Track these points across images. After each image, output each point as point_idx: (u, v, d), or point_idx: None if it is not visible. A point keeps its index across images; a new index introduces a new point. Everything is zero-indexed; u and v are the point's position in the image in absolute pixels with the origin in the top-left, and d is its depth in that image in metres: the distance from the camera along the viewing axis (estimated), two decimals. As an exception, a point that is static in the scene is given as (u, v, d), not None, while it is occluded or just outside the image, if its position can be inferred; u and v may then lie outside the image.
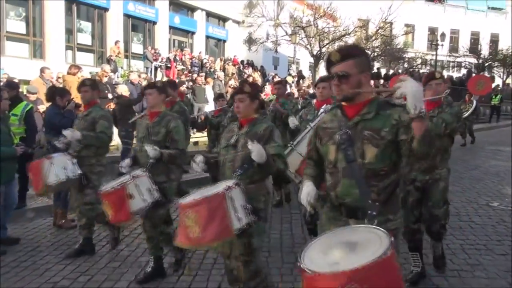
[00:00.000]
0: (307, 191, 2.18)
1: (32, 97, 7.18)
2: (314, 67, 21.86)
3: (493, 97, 18.87)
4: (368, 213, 1.94)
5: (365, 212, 1.96)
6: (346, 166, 2.04)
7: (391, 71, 22.61)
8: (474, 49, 28.94)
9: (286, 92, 6.97)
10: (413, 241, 3.55)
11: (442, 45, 25.58)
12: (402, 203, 3.63)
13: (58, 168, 3.88)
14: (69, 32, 15.79)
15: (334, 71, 2.03)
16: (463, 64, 29.21)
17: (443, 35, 26.04)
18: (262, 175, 2.81)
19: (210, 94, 12.65)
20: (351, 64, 2.00)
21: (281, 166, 2.81)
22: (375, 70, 23.40)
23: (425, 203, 3.49)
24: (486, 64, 27.39)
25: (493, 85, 23.32)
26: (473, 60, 28.14)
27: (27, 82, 10.12)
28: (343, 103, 2.13)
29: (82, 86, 4.31)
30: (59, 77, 10.03)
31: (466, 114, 10.80)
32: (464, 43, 30.99)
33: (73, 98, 5.95)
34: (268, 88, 13.02)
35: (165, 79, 14.83)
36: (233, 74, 17.91)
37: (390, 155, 2.01)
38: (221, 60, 19.99)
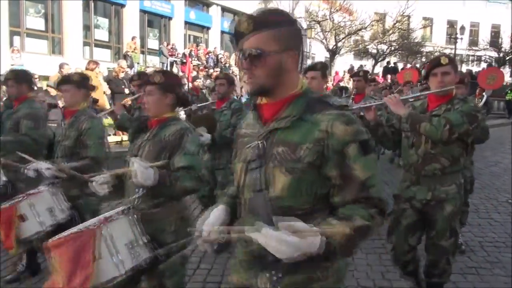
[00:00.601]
0: (210, 217, 1.43)
1: (53, 92, 7.35)
2: (329, 62, 21.71)
3: (508, 92, 18.32)
4: (270, 274, 1.31)
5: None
6: (252, 197, 1.35)
7: (408, 65, 22.26)
8: (494, 42, 28.26)
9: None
10: (406, 274, 2.90)
11: (461, 38, 25.05)
12: (393, 226, 2.81)
13: None
14: (87, 28, 16.01)
15: (243, 47, 1.31)
16: (483, 58, 28.55)
17: (462, 28, 25.48)
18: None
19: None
20: (268, 36, 1.28)
21: (188, 184, 2.06)
22: (392, 64, 23.12)
23: (427, 232, 2.73)
24: (507, 58, 26.73)
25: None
26: (494, 54, 27.50)
27: (46, 78, 10.33)
28: (259, 100, 1.39)
29: (6, 81, 3.59)
30: (77, 73, 10.19)
31: None
32: (484, 36, 30.25)
33: (90, 93, 6.03)
34: None
35: (181, 74, 14.95)
36: (248, 69, 17.92)
37: (310, 187, 1.28)
38: (236, 55, 20.03)
